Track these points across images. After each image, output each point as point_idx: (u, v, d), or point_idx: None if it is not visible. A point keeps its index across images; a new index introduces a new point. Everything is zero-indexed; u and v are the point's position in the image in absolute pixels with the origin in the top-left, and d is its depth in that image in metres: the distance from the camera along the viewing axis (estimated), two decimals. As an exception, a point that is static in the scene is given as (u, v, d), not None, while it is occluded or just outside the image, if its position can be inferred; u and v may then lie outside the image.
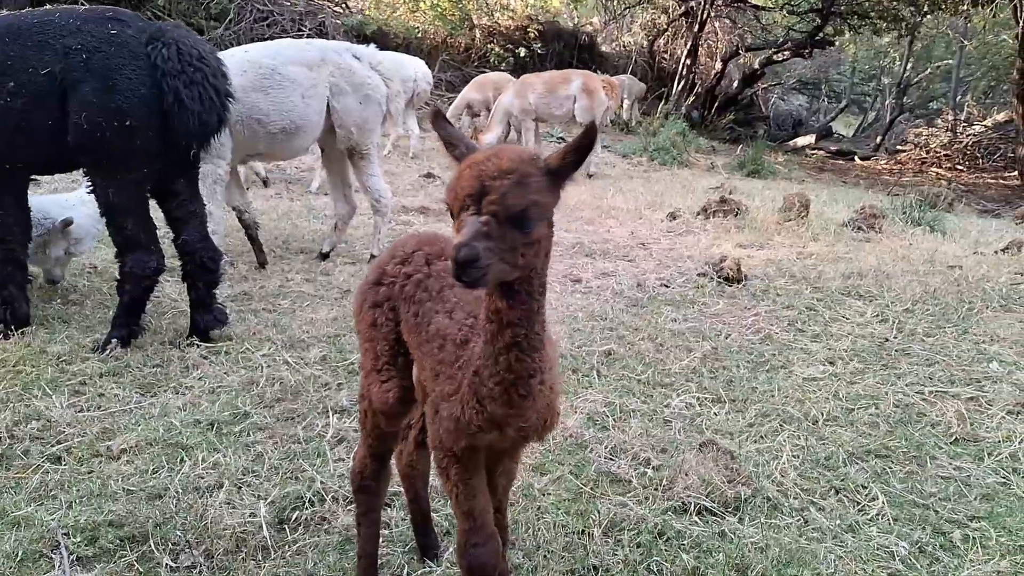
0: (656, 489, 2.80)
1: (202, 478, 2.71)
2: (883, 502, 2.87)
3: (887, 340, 4.60)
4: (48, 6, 3.86)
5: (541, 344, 1.65)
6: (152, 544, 2.37)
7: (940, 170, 18.47)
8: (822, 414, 3.56)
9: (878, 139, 24.69)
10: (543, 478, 2.82)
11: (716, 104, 20.69)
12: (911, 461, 3.23)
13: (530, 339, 1.62)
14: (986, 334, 4.73)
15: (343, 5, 19.02)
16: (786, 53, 19.99)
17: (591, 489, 2.78)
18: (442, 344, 1.80)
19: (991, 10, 18.23)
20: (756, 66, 20.70)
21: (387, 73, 5.46)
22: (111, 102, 3.41)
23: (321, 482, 2.70)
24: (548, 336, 1.73)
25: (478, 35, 18.93)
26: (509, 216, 1.47)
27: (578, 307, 5.01)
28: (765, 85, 25.20)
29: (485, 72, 18.43)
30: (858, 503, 2.89)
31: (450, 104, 13.98)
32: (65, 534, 2.38)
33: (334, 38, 17.60)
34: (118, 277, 3.78)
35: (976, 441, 3.43)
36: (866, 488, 2.98)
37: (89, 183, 3.67)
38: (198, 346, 3.93)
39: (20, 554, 2.31)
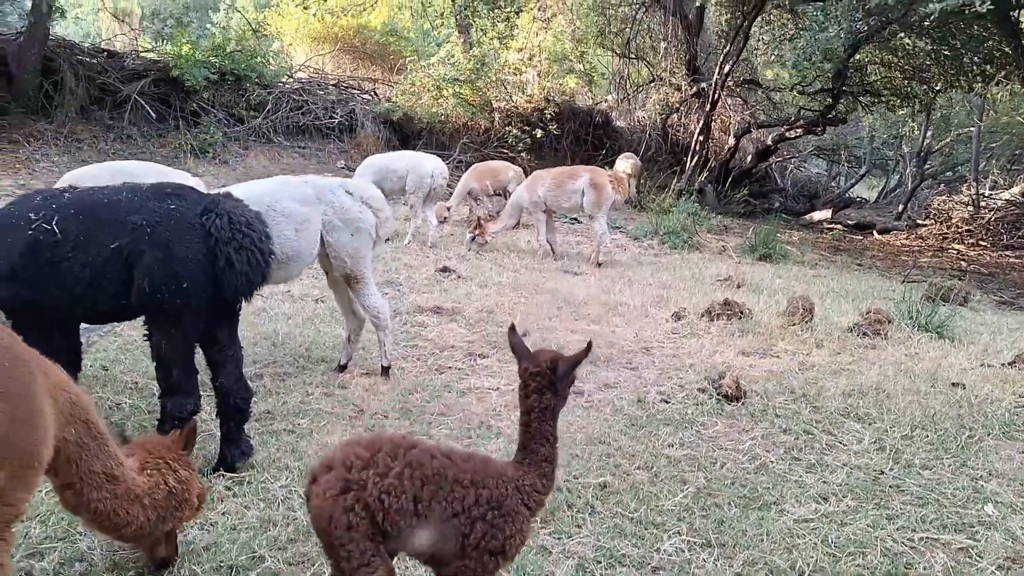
0: (639, 656, 2.93)
1: (214, 642, 2.91)
2: (861, 668, 2.97)
3: (882, 473, 4.69)
4: (119, 184, 4.29)
5: None
6: None
7: (962, 246, 18.50)
8: (808, 565, 3.66)
9: (899, 208, 24.74)
10: (532, 645, 2.97)
11: (730, 178, 21.06)
12: (894, 620, 3.33)
13: None
14: (984, 467, 4.79)
15: (372, 93, 19.89)
16: (798, 131, 20.37)
17: (577, 656, 2.93)
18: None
19: (1008, 86, 18.47)
20: (769, 142, 21.08)
21: (376, 205, 5.80)
22: (170, 268, 3.83)
23: (324, 645, 2.88)
24: None
25: (497, 118, 19.62)
26: None
27: (578, 427, 5.17)
28: (780, 159, 25.55)
29: (504, 152, 19.09)
30: (836, 669, 2.99)
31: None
32: None
33: (364, 124, 18.45)
34: (159, 417, 4.10)
35: (961, 599, 3.51)
36: (846, 652, 3.09)
37: (146, 333, 4.07)
38: (223, 476, 4.20)
39: None
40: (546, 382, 2.47)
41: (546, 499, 2.54)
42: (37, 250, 3.80)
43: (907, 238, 19.91)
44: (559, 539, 3.78)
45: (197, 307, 3.97)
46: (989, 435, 5.28)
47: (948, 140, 26.63)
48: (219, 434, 4.36)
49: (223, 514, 3.82)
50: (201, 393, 4.23)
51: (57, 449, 2.49)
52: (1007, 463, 4.88)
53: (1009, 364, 6.86)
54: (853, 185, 31.80)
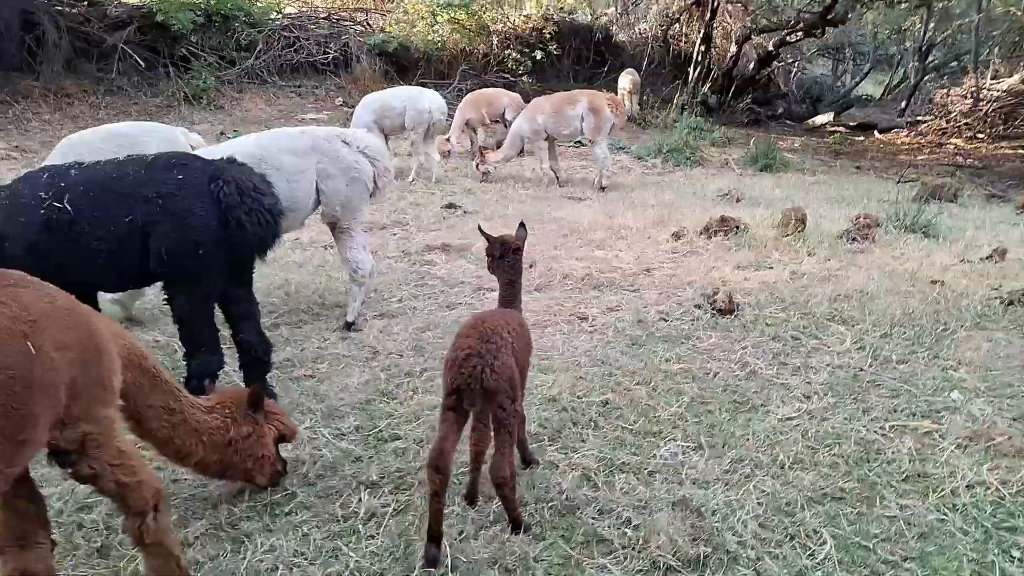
0: (633, 549, 3.31)
1: (261, 562, 3.29)
2: (831, 546, 3.31)
3: (861, 370, 5.05)
4: (121, 157, 4.47)
5: None
6: (226, 626, 3.00)
7: (959, 140, 18.43)
8: (788, 458, 4.03)
9: (902, 104, 24.45)
10: (538, 545, 3.38)
11: (733, 87, 20.81)
12: (862, 502, 3.67)
13: None
14: (954, 358, 5.14)
15: (365, 24, 19.61)
16: (799, 34, 19.98)
17: (579, 553, 3.33)
18: None
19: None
20: (771, 48, 20.71)
21: (374, 155, 5.90)
22: (186, 236, 4.07)
23: (356, 561, 3.28)
24: None
25: (495, 41, 19.38)
26: None
27: (583, 351, 5.52)
28: (783, 63, 25.08)
29: (504, 77, 18.92)
30: (808, 548, 3.36)
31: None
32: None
33: (359, 58, 18.29)
34: (185, 375, 4.45)
35: (924, 477, 3.86)
36: (817, 532, 3.43)
37: (166, 296, 4.34)
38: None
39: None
40: (520, 253, 3.77)
41: None
42: (52, 228, 4.02)
43: (907, 136, 19.81)
44: (565, 454, 4.16)
45: (213, 269, 4.24)
46: (962, 327, 5.61)
47: (949, 31, 25.95)
48: (243, 385, 4.73)
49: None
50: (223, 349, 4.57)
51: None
52: (975, 352, 5.22)
53: (986, 258, 7.14)
54: (857, 84, 31.14)
